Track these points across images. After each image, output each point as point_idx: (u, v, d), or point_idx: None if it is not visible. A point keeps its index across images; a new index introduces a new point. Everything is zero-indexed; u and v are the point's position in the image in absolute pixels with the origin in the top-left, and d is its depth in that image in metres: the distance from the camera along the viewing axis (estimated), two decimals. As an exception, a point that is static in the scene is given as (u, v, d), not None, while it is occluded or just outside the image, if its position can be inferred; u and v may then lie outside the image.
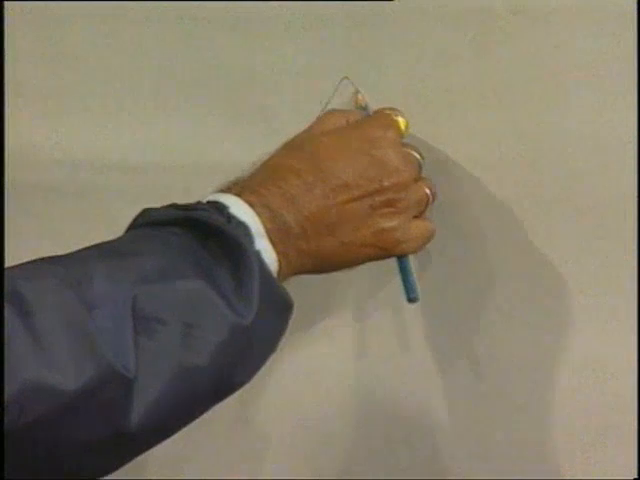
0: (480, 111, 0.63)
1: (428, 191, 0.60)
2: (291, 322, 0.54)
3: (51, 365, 0.44)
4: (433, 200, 0.61)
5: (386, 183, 0.57)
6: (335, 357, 0.74)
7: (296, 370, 0.75)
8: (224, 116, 0.67)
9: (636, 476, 0.67)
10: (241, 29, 0.65)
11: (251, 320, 0.50)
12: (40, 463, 0.45)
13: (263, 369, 0.53)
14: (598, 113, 0.62)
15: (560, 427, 0.71)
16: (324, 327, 0.73)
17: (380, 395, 0.75)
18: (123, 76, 0.68)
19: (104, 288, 0.47)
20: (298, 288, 0.56)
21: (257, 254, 0.52)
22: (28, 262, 0.49)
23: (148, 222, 0.54)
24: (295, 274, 0.56)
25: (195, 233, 0.52)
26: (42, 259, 0.49)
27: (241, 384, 0.52)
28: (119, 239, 0.53)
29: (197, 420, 0.51)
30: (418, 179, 0.60)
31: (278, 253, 0.54)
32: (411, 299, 0.61)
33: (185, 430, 0.51)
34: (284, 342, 0.54)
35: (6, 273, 0.46)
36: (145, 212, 0.55)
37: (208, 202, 0.54)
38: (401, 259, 0.61)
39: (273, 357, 0.54)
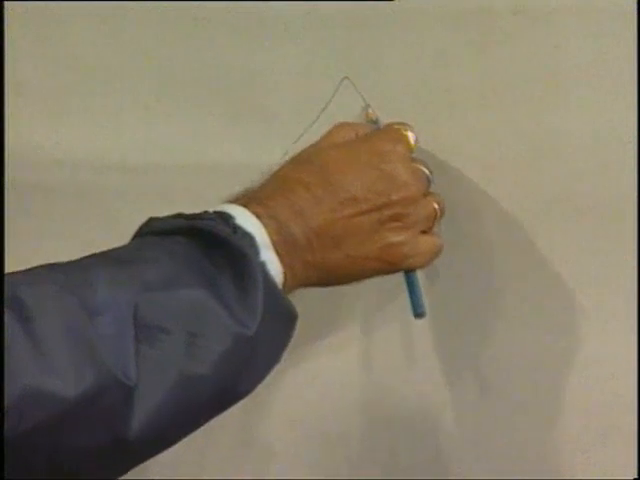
0: (480, 111, 0.63)
1: (437, 206, 0.59)
2: (298, 334, 0.54)
3: (51, 371, 0.44)
4: (442, 215, 0.60)
5: (394, 197, 0.57)
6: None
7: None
8: (224, 116, 0.67)
9: (636, 476, 0.67)
10: (241, 29, 0.64)
11: (255, 330, 0.50)
12: (40, 469, 0.45)
13: (268, 380, 0.53)
14: (598, 113, 0.61)
15: (560, 427, 0.71)
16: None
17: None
18: (123, 76, 0.68)
19: (106, 295, 0.47)
20: (306, 300, 0.56)
21: (262, 265, 0.51)
22: (29, 268, 0.49)
23: (153, 231, 0.54)
24: (301, 286, 0.56)
25: (200, 243, 0.52)
26: (43, 266, 0.49)
27: (245, 394, 0.52)
28: (123, 247, 0.53)
29: (201, 429, 0.51)
30: (427, 194, 0.59)
31: (284, 265, 0.54)
32: (418, 314, 0.61)
33: (188, 438, 0.51)
34: (291, 354, 0.54)
35: (6, 279, 0.46)
36: (150, 221, 0.55)
37: (215, 212, 0.54)
38: (408, 274, 0.61)
39: (279, 368, 0.54)
